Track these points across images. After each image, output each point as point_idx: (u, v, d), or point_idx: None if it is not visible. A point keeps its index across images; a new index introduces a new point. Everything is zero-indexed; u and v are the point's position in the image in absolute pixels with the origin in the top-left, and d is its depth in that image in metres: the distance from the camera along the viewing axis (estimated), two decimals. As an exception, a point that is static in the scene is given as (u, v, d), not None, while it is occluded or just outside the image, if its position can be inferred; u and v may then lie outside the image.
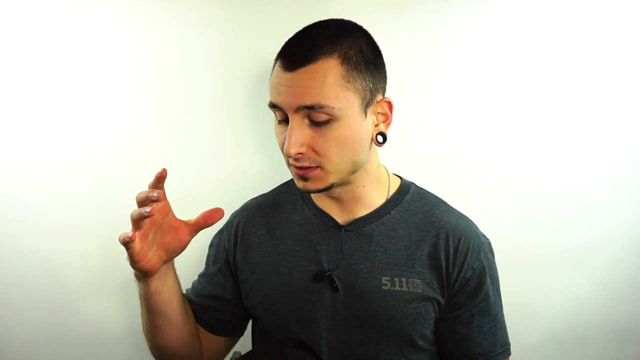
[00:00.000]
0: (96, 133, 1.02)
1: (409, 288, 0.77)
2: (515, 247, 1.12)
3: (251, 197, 0.94)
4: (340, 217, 0.82)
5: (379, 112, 0.76)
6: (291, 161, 0.74)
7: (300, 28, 0.75)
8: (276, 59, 0.75)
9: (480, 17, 1.04)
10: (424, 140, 1.08)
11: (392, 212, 0.82)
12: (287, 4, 1.01)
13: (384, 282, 0.77)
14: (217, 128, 1.05)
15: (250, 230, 0.87)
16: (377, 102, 0.76)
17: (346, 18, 0.77)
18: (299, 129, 0.71)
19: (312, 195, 0.86)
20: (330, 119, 0.70)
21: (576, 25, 1.05)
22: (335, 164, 0.73)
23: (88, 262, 1.06)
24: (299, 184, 0.76)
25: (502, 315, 0.84)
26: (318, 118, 0.70)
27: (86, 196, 1.03)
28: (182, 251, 0.73)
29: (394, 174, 0.88)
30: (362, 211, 0.82)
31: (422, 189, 0.87)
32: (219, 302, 0.88)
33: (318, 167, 0.73)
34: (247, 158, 1.06)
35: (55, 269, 1.05)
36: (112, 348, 1.09)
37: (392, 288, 0.77)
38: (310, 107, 0.69)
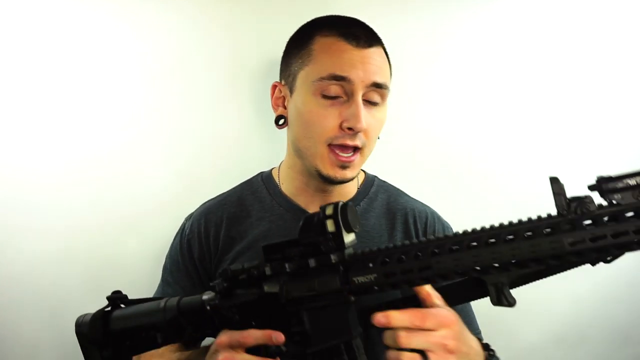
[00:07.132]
0: (97, 134, 1.02)
1: None
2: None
3: None
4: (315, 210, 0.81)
5: None
6: (340, 140, 0.71)
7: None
8: (323, 34, 0.73)
9: (477, 17, 1.05)
10: (419, 140, 1.08)
11: (361, 203, 0.83)
12: (288, 2, 1.01)
13: None
14: (219, 126, 1.05)
15: (218, 235, 0.82)
16: None
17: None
18: (363, 106, 0.71)
19: (284, 190, 0.84)
20: (380, 102, 0.74)
21: (572, 28, 1.07)
22: (370, 149, 0.76)
23: (88, 263, 1.06)
24: (336, 173, 0.73)
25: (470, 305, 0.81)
26: (376, 98, 0.72)
27: (87, 197, 1.03)
28: None
29: None
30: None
31: (384, 181, 0.89)
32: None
33: (358, 151, 0.73)
34: (249, 155, 1.06)
35: (56, 270, 1.05)
36: (112, 348, 1.09)
37: None
38: (379, 86, 0.71)
